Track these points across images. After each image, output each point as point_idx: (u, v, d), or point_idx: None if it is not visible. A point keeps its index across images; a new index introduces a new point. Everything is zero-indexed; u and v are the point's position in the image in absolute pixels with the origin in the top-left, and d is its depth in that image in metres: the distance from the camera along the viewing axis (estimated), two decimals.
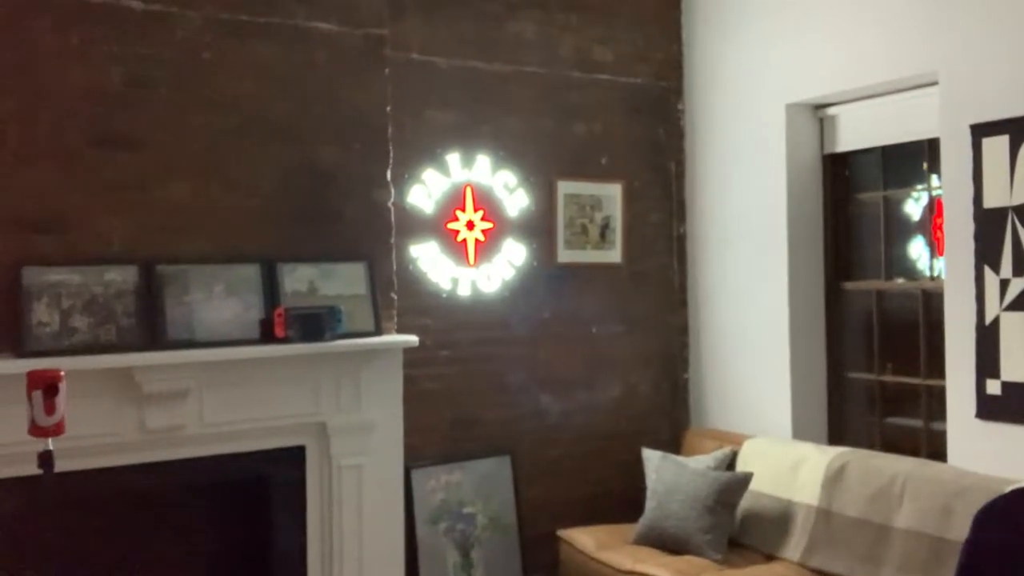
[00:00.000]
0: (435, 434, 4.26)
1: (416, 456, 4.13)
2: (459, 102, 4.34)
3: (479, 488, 4.33)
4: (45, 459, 2.59)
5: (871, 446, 4.16)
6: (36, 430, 2.60)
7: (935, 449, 3.91)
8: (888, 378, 4.25)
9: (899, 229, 4.28)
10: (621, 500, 4.54)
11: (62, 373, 2.63)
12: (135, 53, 3.50)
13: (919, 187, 4.19)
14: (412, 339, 3.87)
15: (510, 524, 4.38)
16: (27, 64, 3.33)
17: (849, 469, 3.76)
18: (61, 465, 2.68)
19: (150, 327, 3.41)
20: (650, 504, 4.13)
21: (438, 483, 4.24)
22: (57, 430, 2.62)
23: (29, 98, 3.33)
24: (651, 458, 4.30)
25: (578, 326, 4.66)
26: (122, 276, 3.41)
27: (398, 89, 4.07)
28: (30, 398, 2.58)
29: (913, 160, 4.14)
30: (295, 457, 3.73)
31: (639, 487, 4.32)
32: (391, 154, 4.01)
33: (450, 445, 4.31)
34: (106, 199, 3.44)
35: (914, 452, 3.97)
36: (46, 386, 2.57)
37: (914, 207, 4.25)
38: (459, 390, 4.34)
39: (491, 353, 4.43)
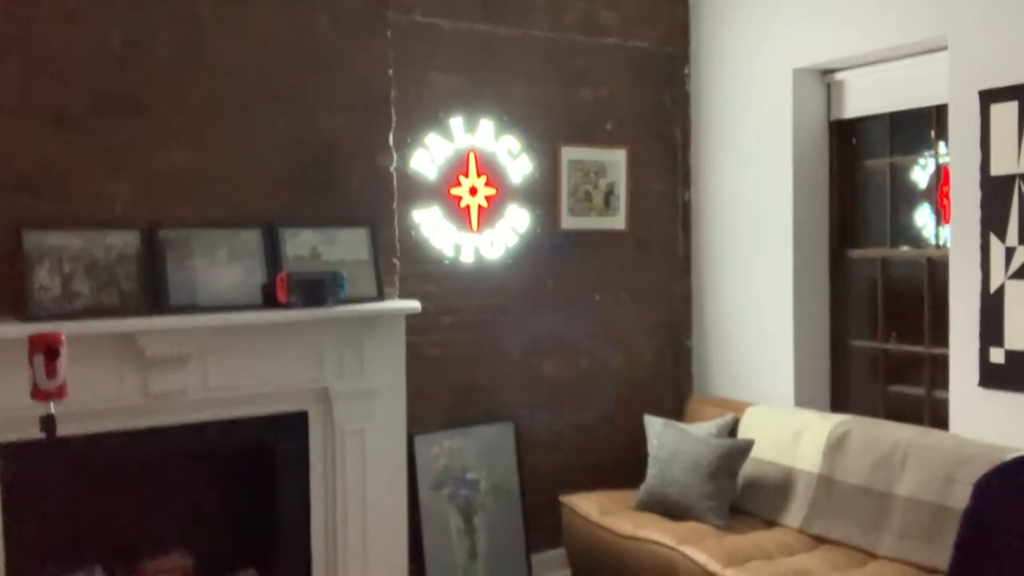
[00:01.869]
0: (438, 401, 4.27)
1: (419, 422, 4.15)
2: (463, 66, 4.30)
3: (482, 454, 4.34)
4: (47, 423, 2.59)
5: (874, 414, 4.16)
6: (38, 394, 2.60)
7: (937, 417, 3.91)
8: (891, 346, 4.24)
9: (905, 196, 4.25)
10: (623, 467, 4.56)
11: (63, 336, 2.63)
12: (135, 16, 3.46)
13: (926, 154, 4.15)
14: (415, 305, 3.87)
15: (513, 490, 4.40)
16: (27, 27, 3.30)
17: (851, 437, 3.76)
18: (63, 429, 2.69)
19: (152, 292, 3.40)
20: (652, 471, 4.14)
21: (441, 449, 4.26)
22: (59, 394, 2.62)
23: (29, 62, 3.30)
24: (653, 425, 4.31)
25: (582, 293, 4.65)
26: (124, 240, 3.40)
27: (401, 52, 4.03)
28: (32, 362, 2.58)
29: (920, 127, 4.10)
30: (298, 423, 3.74)
31: (641, 454, 4.34)
32: (393, 119, 3.98)
33: (453, 412, 4.32)
34: (108, 163, 3.42)
35: (916, 420, 3.97)
36: (47, 349, 2.57)
37: (921, 174, 4.21)
38: (462, 357, 4.35)
39: (494, 320, 4.43)
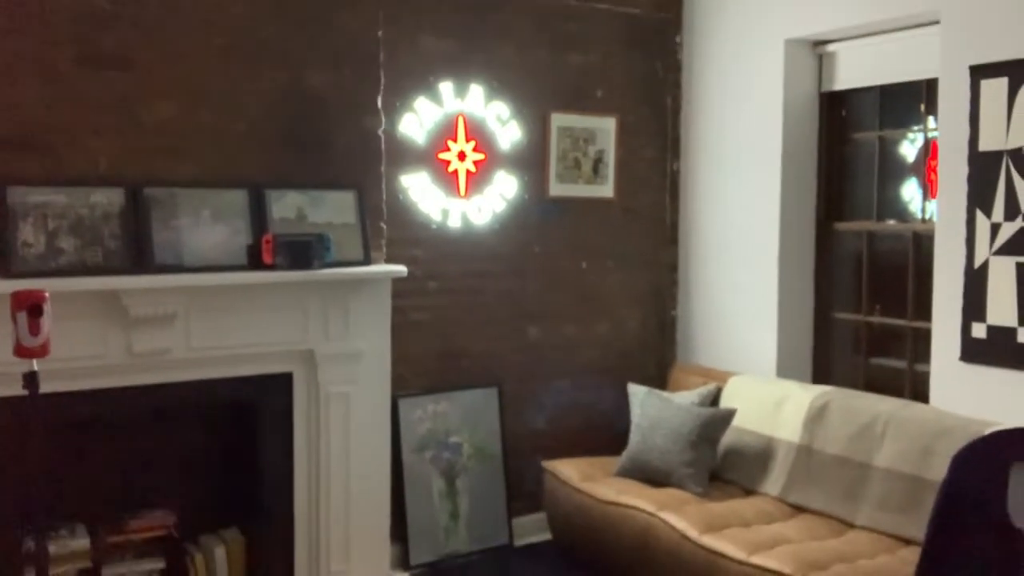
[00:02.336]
0: (423, 364, 4.28)
1: (403, 386, 4.16)
2: (453, 29, 4.26)
3: (465, 418, 4.37)
4: (30, 380, 2.59)
5: (855, 386, 4.20)
6: (21, 351, 2.60)
7: (918, 390, 3.96)
8: (875, 319, 4.27)
9: (893, 170, 4.26)
10: (606, 433, 4.60)
11: (46, 294, 2.62)
12: None
13: (915, 128, 4.15)
14: (401, 269, 3.86)
15: (495, 454, 4.43)
16: None
17: (831, 408, 3.80)
18: (46, 386, 2.69)
19: (137, 250, 3.38)
20: (634, 438, 4.17)
21: (425, 412, 4.28)
22: (42, 351, 2.62)
23: (15, 17, 3.24)
24: (636, 393, 4.34)
25: (568, 261, 4.65)
26: (108, 198, 3.37)
27: (391, 14, 3.98)
28: (15, 319, 2.57)
29: (910, 101, 4.10)
30: (282, 384, 3.74)
31: (624, 421, 4.37)
32: (382, 81, 3.94)
33: (437, 376, 4.34)
34: (92, 119, 3.38)
35: (898, 393, 4.01)
36: (30, 307, 2.56)
37: (909, 148, 4.22)
38: (448, 321, 4.35)
39: (480, 285, 4.43)
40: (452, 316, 4.36)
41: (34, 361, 2.62)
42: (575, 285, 4.68)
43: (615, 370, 4.76)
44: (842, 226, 4.40)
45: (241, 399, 3.71)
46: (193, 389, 3.56)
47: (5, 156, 3.24)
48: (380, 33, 3.91)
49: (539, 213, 4.54)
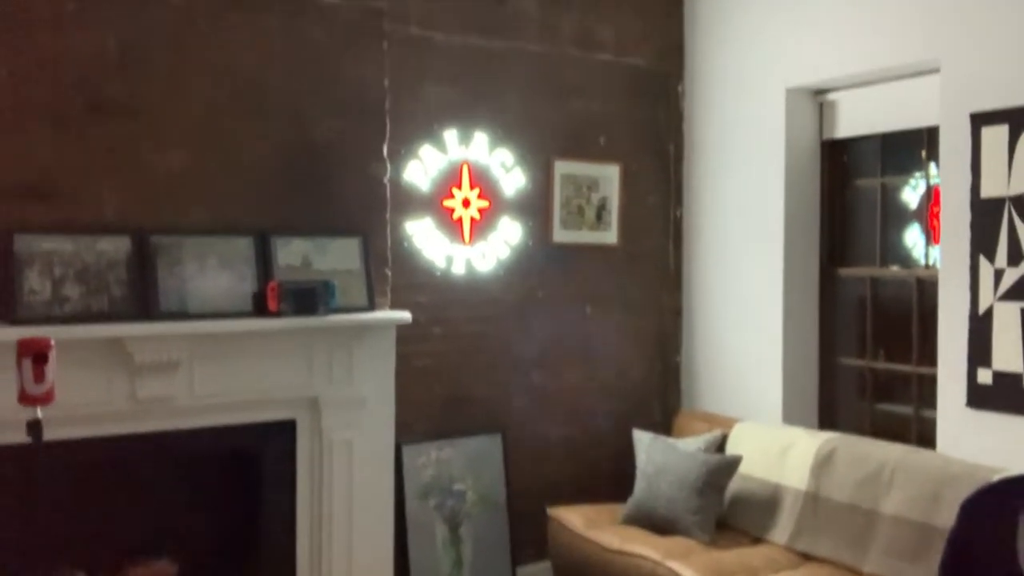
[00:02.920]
0: (427, 411, 4.27)
1: (407, 432, 4.14)
2: (458, 78, 4.32)
3: (469, 465, 4.34)
4: (34, 427, 2.58)
5: (861, 432, 4.17)
6: (25, 398, 2.59)
7: (925, 436, 3.93)
8: (880, 365, 4.25)
9: (896, 216, 4.27)
10: (611, 480, 4.56)
11: (51, 341, 2.62)
12: (131, 20, 3.47)
13: (917, 175, 4.18)
14: (405, 315, 3.87)
15: (500, 501, 4.39)
16: (22, 30, 3.30)
17: (838, 454, 3.77)
18: (50, 434, 2.68)
19: (142, 297, 3.40)
20: (640, 485, 4.14)
21: (428, 459, 4.25)
22: (46, 398, 2.62)
23: (24, 64, 3.30)
24: (642, 439, 4.31)
25: (572, 307, 4.66)
26: (115, 246, 3.40)
27: (396, 64, 4.04)
28: (20, 366, 2.57)
29: (912, 148, 4.13)
30: (286, 431, 3.73)
31: (629, 467, 4.34)
32: (388, 129, 3.99)
33: (441, 422, 4.32)
34: (100, 167, 3.42)
35: (904, 439, 3.99)
36: (35, 354, 2.57)
37: (911, 195, 4.24)
38: (451, 367, 4.34)
39: (484, 331, 4.43)
40: (456, 362, 4.36)
41: (38, 409, 2.62)
42: (579, 331, 4.68)
43: (620, 416, 4.74)
44: (846, 272, 4.41)
45: (244, 446, 3.70)
46: (196, 436, 3.55)
47: (13, 204, 3.27)
48: (386, 82, 3.96)
49: (543, 259, 4.56)
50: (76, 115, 3.38)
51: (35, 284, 3.23)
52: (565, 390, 4.64)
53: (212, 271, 3.54)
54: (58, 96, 3.36)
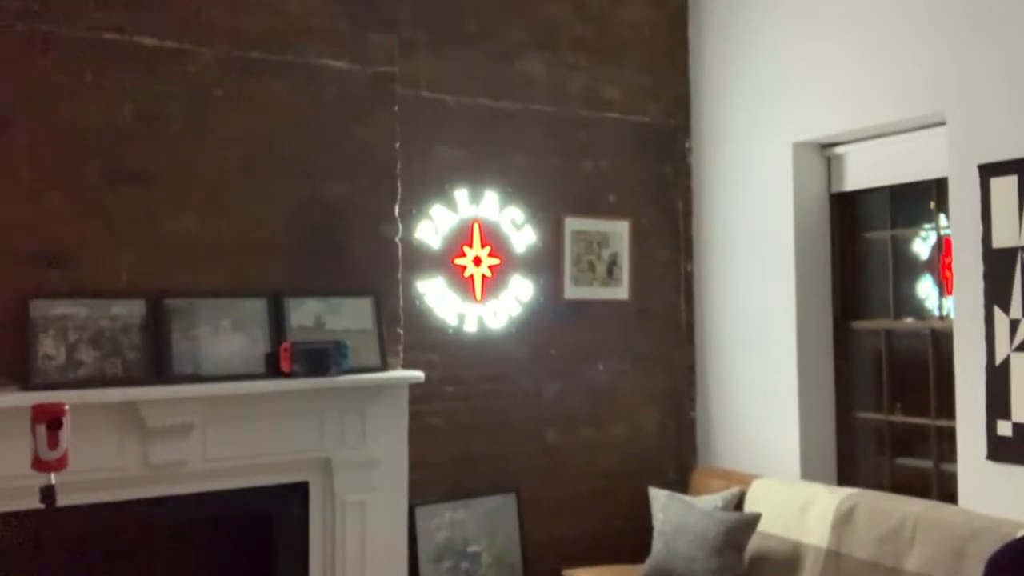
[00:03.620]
0: (440, 471, 4.23)
1: (420, 493, 4.10)
2: (467, 139, 4.37)
3: (484, 526, 4.29)
4: (47, 493, 2.57)
5: (881, 487, 4.11)
6: (39, 464, 2.59)
7: (946, 491, 3.87)
8: (897, 418, 4.21)
9: (907, 268, 4.27)
10: (627, 540, 4.49)
11: (66, 407, 2.62)
12: (147, 89, 3.54)
13: (927, 226, 4.18)
14: (418, 375, 3.86)
15: (515, 563, 4.32)
16: (40, 100, 3.37)
17: (858, 511, 3.71)
18: (63, 499, 2.67)
19: (156, 361, 3.40)
20: (657, 544, 4.08)
21: (442, 521, 4.20)
22: (60, 464, 2.61)
23: (41, 133, 3.36)
24: (658, 497, 4.26)
25: (585, 363, 4.64)
26: (129, 310, 3.42)
27: (407, 125, 4.09)
28: (34, 432, 2.57)
29: (921, 199, 4.14)
30: (298, 493, 3.71)
31: (646, 527, 4.27)
32: (399, 189, 4.03)
33: (455, 482, 4.28)
34: (115, 233, 3.46)
35: (924, 493, 3.93)
36: (50, 420, 2.56)
37: (922, 246, 4.24)
38: (465, 426, 4.32)
39: (497, 389, 4.41)
40: (469, 421, 4.33)
41: (52, 474, 2.61)
42: (592, 387, 4.65)
43: (635, 473, 4.68)
44: (859, 325, 4.39)
45: (257, 509, 3.66)
46: (209, 500, 3.53)
47: (29, 270, 3.30)
48: (397, 144, 4.02)
49: (555, 316, 4.56)
50: (92, 182, 3.43)
51: (50, 349, 3.25)
52: (579, 448, 4.60)
53: (225, 333, 3.55)
54: (75, 163, 3.41)
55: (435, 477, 4.20)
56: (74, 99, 3.42)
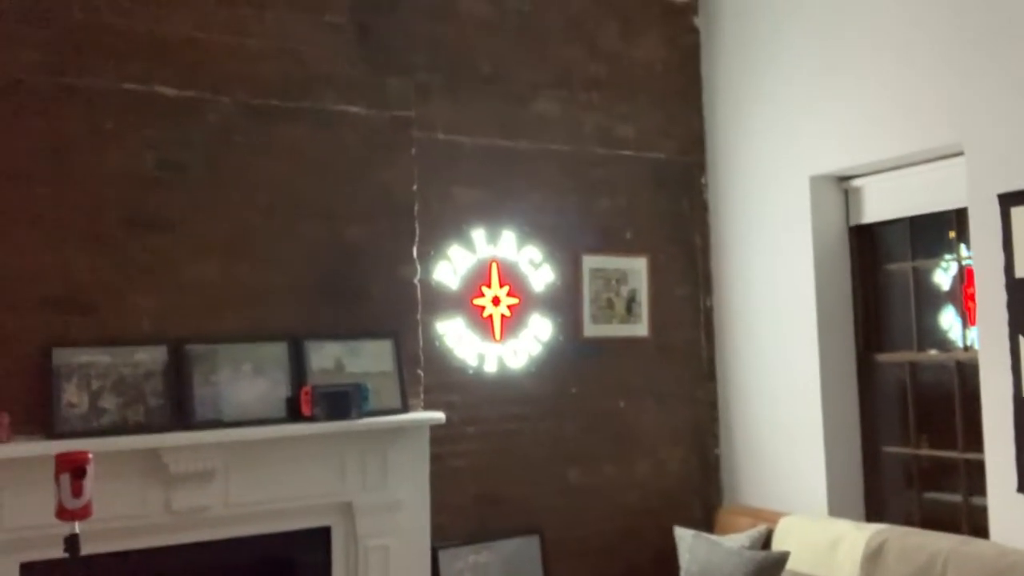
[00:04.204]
0: (462, 513, 4.20)
1: (443, 535, 4.06)
2: (484, 179, 4.39)
3: (507, 568, 4.24)
4: (71, 543, 2.56)
5: (910, 522, 4.05)
6: (63, 513, 2.58)
7: (976, 525, 3.80)
8: (925, 452, 4.15)
9: (929, 299, 4.23)
10: None
11: (90, 455, 2.62)
12: (168, 137, 3.58)
13: (948, 257, 4.15)
14: (439, 416, 3.85)
15: None
16: (62, 149, 3.42)
17: (888, 547, 3.65)
18: (88, 548, 2.66)
19: (178, 407, 3.41)
20: None
21: (465, 564, 4.16)
22: (84, 513, 2.60)
23: (63, 183, 3.41)
24: (684, 537, 4.20)
25: (606, 401, 4.61)
26: (151, 356, 3.43)
27: (424, 168, 4.12)
28: (58, 481, 2.57)
29: (941, 229, 4.12)
30: (321, 538, 3.69)
31: (671, 567, 4.22)
32: (417, 231, 4.05)
33: (477, 524, 4.24)
34: (137, 280, 3.49)
35: (955, 528, 3.86)
36: (74, 468, 2.56)
37: (944, 277, 4.21)
38: (486, 467, 4.29)
39: (518, 429, 4.39)
40: (491, 462, 4.31)
41: (76, 523, 2.60)
42: (613, 425, 4.62)
43: (659, 512, 4.63)
44: (883, 357, 4.34)
45: (280, 555, 3.65)
46: (231, 546, 3.52)
47: (51, 318, 3.33)
48: (415, 186, 4.04)
49: (574, 354, 4.54)
50: (113, 230, 3.47)
51: (73, 397, 3.26)
52: (602, 487, 4.55)
53: (246, 377, 3.56)
54: (96, 212, 3.45)
55: (458, 519, 4.17)
56: (95, 149, 3.47)
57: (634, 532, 4.59)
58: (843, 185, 4.41)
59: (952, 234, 4.05)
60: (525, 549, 4.31)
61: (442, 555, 4.07)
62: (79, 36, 3.46)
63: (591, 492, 4.53)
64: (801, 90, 4.41)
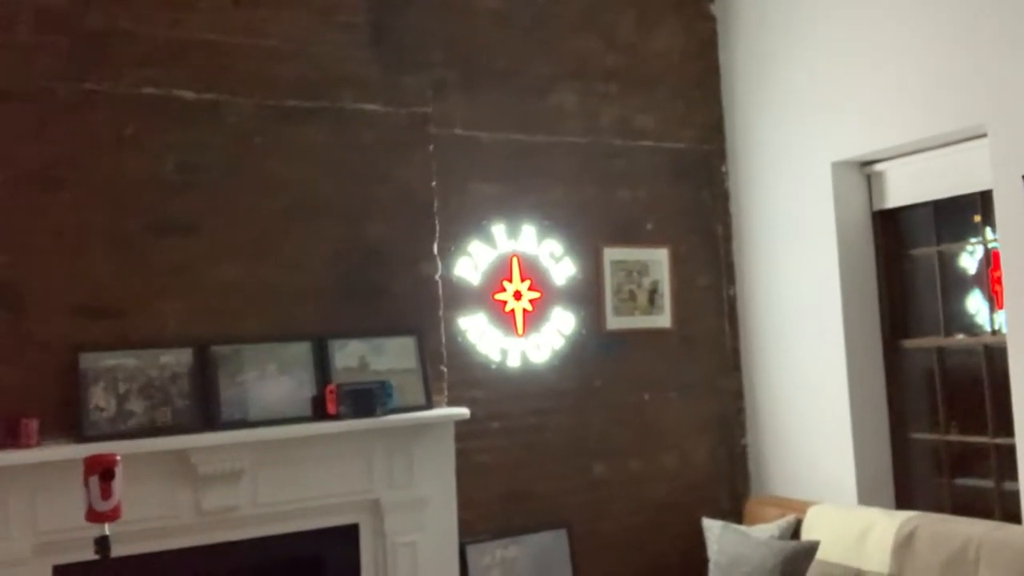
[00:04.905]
0: (488, 508, 4.20)
1: (470, 531, 4.07)
2: (503, 174, 4.38)
3: (536, 563, 4.24)
4: (102, 544, 2.59)
5: (941, 509, 4.01)
6: (93, 515, 2.61)
7: (1009, 510, 3.76)
8: (954, 437, 4.11)
9: (956, 283, 4.18)
10: (682, 572, 4.42)
11: (118, 457, 2.65)
12: (188, 140, 3.61)
13: (973, 240, 4.10)
14: (463, 412, 3.86)
15: None
16: (83, 155, 3.45)
17: (919, 534, 3.62)
18: (118, 550, 2.69)
19: (205, 408, 3.44)
20: None
21: (493, 559, 4.16)
22: (114, 515, 2.62)
23: (85, 188, 3.44)
24: (712, 528, 4.19)
25: (630, 393, 4.60)
26: (177, 358, 3.46)
27: (442, 164, 4.12)
28: (87, 483, 2.59)
29: (965, 213, 4.07)
30: (349, 536, 3.70)
31: (700, 559, 4.20)
32: (437, 228, 4.05)
33: (504, 519, 4.24)
34: (161, 283, 3.51)
35: (987, 514, 3.82)
36: (103, 471, 2.59)
37: (970, 260, 4.16)
38: (511, 462, 4.29)
39: (543, 423, 4.38)
40: (516, 457, 4.31)
41: (106, 525, 2.63)
42: (638, 418, 4.61)
43: (687, 505, 4.61)
44: (910, 343, 4.30)
45: (308, 553, 3.66)
46: (260, 546, 3.54)
47: (78, 323, 3.36)
48: (434, 183, 4.05)
49: (597, 347, 4.53)
50: (136, 234, 3.49)
51: (101, 401, 3.29)
52: (628, 480, 4.54)
53: (272, 377, 3.58)
54: (118, 217, 3.48)
55: (484, 515, 4.17)
56: (116, 154, 3.49)
57: (662, 525, 4.57)
58: (865, 170, 4.37)
59: (977, 217, 4.00)
60: (553, 543, 4.31)
61: (470, 550, 4.08)
62: (98, 42, 3.49)
63: (618, 485, 4.52)
64: (821, 75, 4.37)
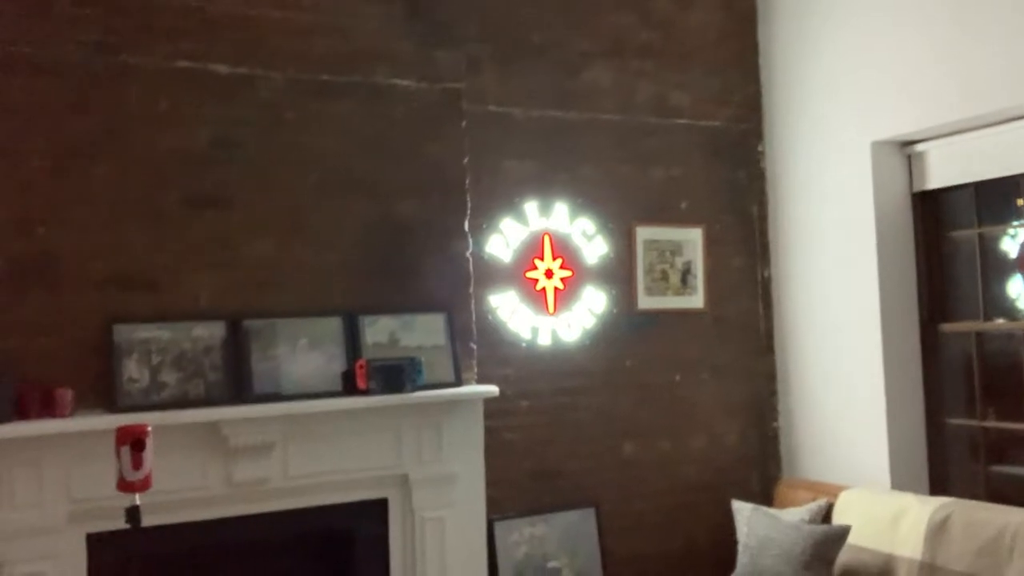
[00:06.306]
0: (517, 486, 4.20)
1: (498, 508, 4.08)
2: (536, 151, 4.35)
3: (564, 541, 4.24)
4: (132, 514, 2.62)
5: (976, 496, 3.95)
6: (124, 485, 2.64)
7: None
8: (991, 424, 4.04)
9: (996, 267, 4.10)
10: (711, 555, 4.40)
11: (148, 428, 2.68)
12: (221, 115, 3.61)
13: (1015, 223, 4.01)
14: (492, 389, 3.85)
15: None
16: (118, 130, 3.47)
17: (953, 521, 3.57)
18: (148, 520, 2.72)
19: (237, 381, 3.46)
20: (742, 559, 3.98)
21: (521, 536, 4.17)
22: (144, 485, 2.66)
23: (120, 162, 3.46)
24: (742, 510, 4.16)
25: (661, 374, 4.57)
26: (210, 331, 3.49)
27: (475, 141, 4.10)
28: (118, 453, 2.63)
29: (1008, 195, 3.98)
30: (377, 510, 3.72)
31: (729, 541, 4.18)
32: (469, 205, 4.04)
33: (532, 497, 4.24)
34: (194, 257, 3.53)
35: (1022, 502, 3.75)
36: (133, 441, 2.62)
37: (1011, 244, 4.07)
38: (541, 440, 4.29)
39: (573, 403, 4.37)
40: (545, 435, 4.30)
41: (136, 495, 2.66)
42: (669, 399, 4.58)
43: (716, 487, 4.58)
44: (948, 327, 4.23)
45: (337, 526, 3.69)
46: (290, 518, 3.57)
47: (111, 295, 3.40)
48: (466, 159, 4.03)
49: (629, 327, 4.50)
50: (170, 208, 3.52)
51: (134, 372, 3.33)
52: (658, 461, 4.52)
53: (303, 352, 3.60)
54: (153, 190, 3.50)
55: (513, 492, 4.18)
56: (151, 127, 3.51)
57: (691, 506, 4.55)
58: (906, 150, 4.28)
59: (1020, 201, 3.91)
60: (581, 522, 4.30)
61: (498, 527, 4.09)
62: (133, 16, 3.50)
63: (647, 466, 4.50)
64: (861, 53, 4.28)
